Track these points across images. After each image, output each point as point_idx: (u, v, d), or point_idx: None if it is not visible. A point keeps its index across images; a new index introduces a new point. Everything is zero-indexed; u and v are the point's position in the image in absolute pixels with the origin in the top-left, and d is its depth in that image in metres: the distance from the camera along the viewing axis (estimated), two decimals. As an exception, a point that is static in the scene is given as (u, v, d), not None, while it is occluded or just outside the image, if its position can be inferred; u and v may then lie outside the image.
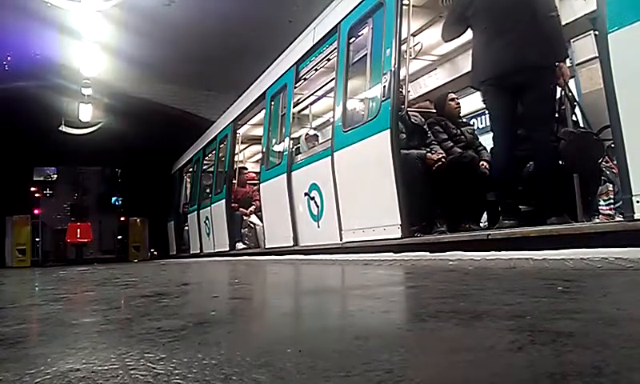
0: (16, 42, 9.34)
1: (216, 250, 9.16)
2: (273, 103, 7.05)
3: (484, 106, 3.93)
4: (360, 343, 1.09)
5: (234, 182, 8.67)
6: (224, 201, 8.53)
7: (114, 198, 15.23)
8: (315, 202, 5.46)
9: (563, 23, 3.71)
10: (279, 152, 6.59)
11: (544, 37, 3.36)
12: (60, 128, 12.44)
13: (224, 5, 8.40)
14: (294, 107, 6.49)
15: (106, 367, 1.00)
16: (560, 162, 3.52)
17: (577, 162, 3.52)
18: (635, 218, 2.58)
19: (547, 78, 3.43)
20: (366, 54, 4.80)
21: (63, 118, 12.44)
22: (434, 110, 4.93)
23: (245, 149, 10.41)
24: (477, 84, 3.70)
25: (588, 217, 3.68)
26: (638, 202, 2.58)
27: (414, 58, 5.28)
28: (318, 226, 5.43)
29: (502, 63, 3.44)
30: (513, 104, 3.55)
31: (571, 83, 4.33)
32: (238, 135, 8.92)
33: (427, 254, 3.66)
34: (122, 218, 14.94)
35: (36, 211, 13.86)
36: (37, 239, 13.61)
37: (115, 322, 1.68)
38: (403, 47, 4.42)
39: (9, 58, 10.02)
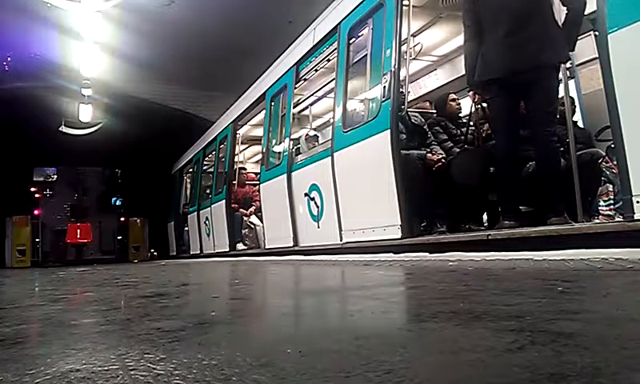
0: (16, 43, 9.35)
1: (216, 251, 9.16)
2: (273, 104, 7.05)
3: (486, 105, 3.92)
4: (360, 343, 1.09)
5: (233, 182, 8.67)
6: (224, 201, 8.54)
7: (113, 199, 15.21)
8: (315, 203, 5.45)
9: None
10: (279, 152, 6.58)
11: (550, 34, 3.30)
12: (60, 128, 12.44)
13: (224, 5, 8.40)
14: (294, 108, 6.48)
15: (106, 368, 1.00)
16: (562, 162, 3.51)
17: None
18: (635, 218, 2.58)
19: (553, 75, 3.37)
20: (366, 55, 4.80)
21: (63, 119, 12.45)
22: (434, 111, 4.92)
23: (245, 149, 10.42)
24: (479, 84, 3.66)
25: (588, 217, 3.67)
26: (638, 202, 2.58)
27: (414, 59, 5.28)
28: (318, 227, 5.43)
29: (507, 62, 3.36)
30: (517, 104, 3.52)
31: (571, 84, 4.34)
32: (238, 136, 8.92)
33: (427, 254, 3.66)
34: (122, 219, 14.92)
35: (36, 212, 13.83)
36: (37, 240, 13.60)
37: (115, 322, 1.68)
38: (403, 48, 4.41)
39: (9, 58, 10.04)
